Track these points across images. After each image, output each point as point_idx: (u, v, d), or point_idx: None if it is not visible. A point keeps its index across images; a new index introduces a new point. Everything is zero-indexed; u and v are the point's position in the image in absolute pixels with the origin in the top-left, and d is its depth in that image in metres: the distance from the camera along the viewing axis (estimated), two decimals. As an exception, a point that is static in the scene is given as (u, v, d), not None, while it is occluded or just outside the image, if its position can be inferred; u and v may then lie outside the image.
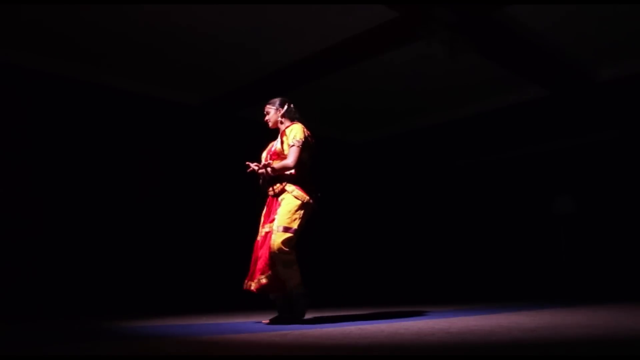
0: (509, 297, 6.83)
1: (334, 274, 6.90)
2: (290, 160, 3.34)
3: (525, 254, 8.25)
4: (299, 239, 3.29)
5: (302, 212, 3.31)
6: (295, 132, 3.42)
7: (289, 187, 3.35)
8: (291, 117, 3.59)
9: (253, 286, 3.26)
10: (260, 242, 3.37)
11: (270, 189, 3.43)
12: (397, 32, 4.75)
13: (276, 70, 5.54)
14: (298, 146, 3.35)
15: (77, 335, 2.81)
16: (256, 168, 3.38)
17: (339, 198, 7.53)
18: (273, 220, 3.30)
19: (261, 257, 3.27)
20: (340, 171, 7.75)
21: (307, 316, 3.38)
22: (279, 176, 3.39)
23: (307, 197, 3.34)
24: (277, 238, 3.19)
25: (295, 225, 3.25)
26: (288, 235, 3.20)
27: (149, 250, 5.88)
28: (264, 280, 3.21)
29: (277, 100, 3.63)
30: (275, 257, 3.18)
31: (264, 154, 3.62)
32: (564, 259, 7.71)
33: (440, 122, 7.25)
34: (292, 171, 3.38)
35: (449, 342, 2.17)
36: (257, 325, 3.16)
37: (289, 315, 3.31)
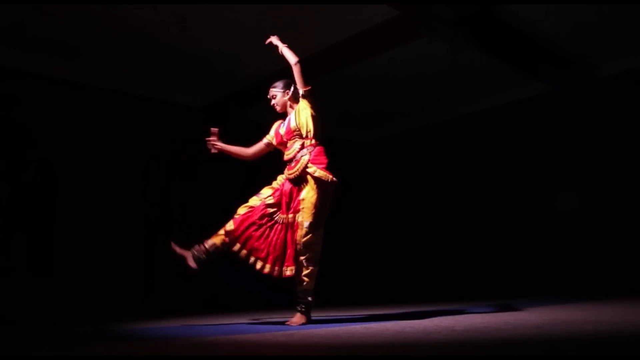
0: (514, 294, 6.81)
1: (338, 273, 6.89)
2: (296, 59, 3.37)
3: (530, 250, 8.24)
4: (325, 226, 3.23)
5: (326, 197, 3.24)
6: (305, 105, 3.37)
7: (311, 167, 3.25)
8: (297, 98, 3.48)
9: (276, 272, 3.20)
10: (277, 227, 3.24)
11: (289, 170, 3.32)
12: (397, 30, 4.74)
13: (278, 70, 5.52)
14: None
15: (82, 337, 2.82)
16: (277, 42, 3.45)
17: (344, 198, 7.52)
18: (297, 210, 3.21)
19: (289, 246, 3.19)
20: (344, 171, 7.74)
21: (313, 316, 3.38)
22: (299, 153, 3.30)
23: (330, 176, 3.26)
24: (304, 235, 3.14)
25: (322, 217, 3.20)
26: (316, 231, 3.16)
27: (154, 251, 5.89)
28: (288, 273, 3.17)
29: (281, 83, 3.53)
30: (301, 253, 3.15)
31: (272, 132, 3.54)
32: (568, 255, 7.70)
33: (441, 120, 7.25)
34: (312, 152, 3.30)
35: (454, 340, 2.17)
36: (262, 326, 3.17)
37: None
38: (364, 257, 7.91)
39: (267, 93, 3.57)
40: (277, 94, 3.53)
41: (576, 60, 5.59)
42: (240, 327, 3.20)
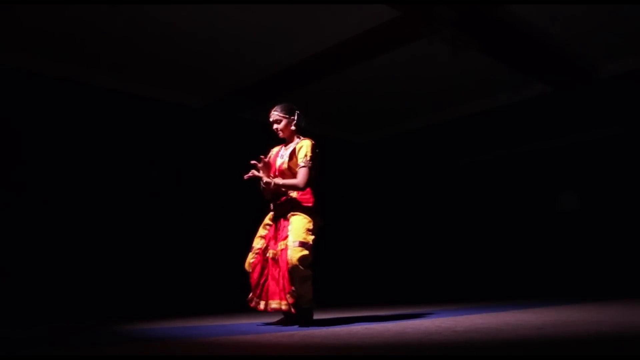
0: (515, 295, 6.81)
1: (339, 274, 6.89)
2: (300, 181, 3.23)
3: (531, 251, 8.23)
4: (315, 254, 3.20)
5: (313, 227, 3.25)
6: (305, 150, 3.30)
7: (298, 213, 3.28)
8: (301, 125, 3.45)
9: (283, 306, 3.19)
10: (271, 261, 3.26)
11: (278, 208, 3.35)
12: (399, 31, 4.75)
13: (279, 71, 5.54)
14: (308, 167, 3.25)
15: (83, 338, 2.82)
16: (262, 178, 3.25)
17: (344, 198, 7.53)
18: (286, 237, 3.20)
19: (284, 276, 3.17)
20: (345, 171, 7.76)
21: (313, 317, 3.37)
22: (288, 201, 3.31)
23: (318, 217, 3.30)
24: (295, 254, 3.08)
25: (310, 240, 3.17)
26: (305, 251, 3.11)
27: (154, 252, 5.90)
28: (291, 300, 3.13)
29: (285, 108, 3.43)
30: (294, 272, 3.09)
31: (270, 158, 3.51)
32: (569, 255, 7.69)
33: (442, 120, 7.25)
34: (299, 192, 3.30)
35: (455, 340, 2.17)
36: (263, 327, 3.17)
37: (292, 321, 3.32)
38: (364, 258, 7.91)
39: (269, 116, 3.47)
40: (282, 120, 3.41)
41: (577, 61, 5.59)
42: (241, 327, 3.20)
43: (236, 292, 5.89)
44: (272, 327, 3.14)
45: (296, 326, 3.12)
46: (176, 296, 5.85)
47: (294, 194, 3.31)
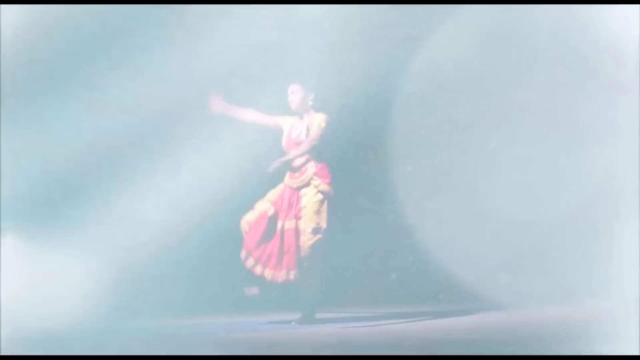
0: (515, 295, 6.79)
1: (339, 273, 6.88)
2: (303, 147, 3.27)
3: (531, 250, 8.22)
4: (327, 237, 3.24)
5: (326, 206, 3.26)
6: (320, 121, 3.33)
7: (315, 180, 3.28)
8: (314, 104, 3.44)
9: (280, 278, 3.18)
10: (278, 232, 3.25)
11: (292, 179, 3.34)
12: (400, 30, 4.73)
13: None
14: (313, 141, 3.30)
15: (82, 337, 2.81)
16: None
17: (346, 196, 7.52)
18: (299, 217, 3.22)
19: (288, 251, 3.19)
20: (343, 170, 7.74)
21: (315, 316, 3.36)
22: (304, 165, 3.32)
23: (332, 190, 3.30)
24: (307, 240, 3.14)
25: (323, 224, 3.21)
26: (318, 237, 3.16)
27: (153, 250, 5.88)
28: (292, 277, 3.14)
29: (304, 83, 3.45)
30: (305, 258, 3.13)
31: (285, 130, 3.47)
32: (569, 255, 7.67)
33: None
34: (318, 166, 3.32)
35: (455, 340, 2.17)
36: (263, 325, 3.16)
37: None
38: (365, 257, 7.89)
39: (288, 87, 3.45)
40: (299, 92, 3.40)
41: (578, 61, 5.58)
42: (241, 326, 3.19)
43: (235, 290, 5.90)
44: (273, 325, 3.13)
45: (296, 325, 3.11)
46: (175, 294, 5.83)
47: (311, 170, 3.30)
